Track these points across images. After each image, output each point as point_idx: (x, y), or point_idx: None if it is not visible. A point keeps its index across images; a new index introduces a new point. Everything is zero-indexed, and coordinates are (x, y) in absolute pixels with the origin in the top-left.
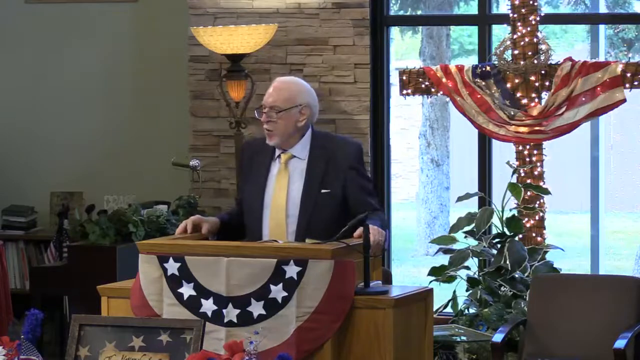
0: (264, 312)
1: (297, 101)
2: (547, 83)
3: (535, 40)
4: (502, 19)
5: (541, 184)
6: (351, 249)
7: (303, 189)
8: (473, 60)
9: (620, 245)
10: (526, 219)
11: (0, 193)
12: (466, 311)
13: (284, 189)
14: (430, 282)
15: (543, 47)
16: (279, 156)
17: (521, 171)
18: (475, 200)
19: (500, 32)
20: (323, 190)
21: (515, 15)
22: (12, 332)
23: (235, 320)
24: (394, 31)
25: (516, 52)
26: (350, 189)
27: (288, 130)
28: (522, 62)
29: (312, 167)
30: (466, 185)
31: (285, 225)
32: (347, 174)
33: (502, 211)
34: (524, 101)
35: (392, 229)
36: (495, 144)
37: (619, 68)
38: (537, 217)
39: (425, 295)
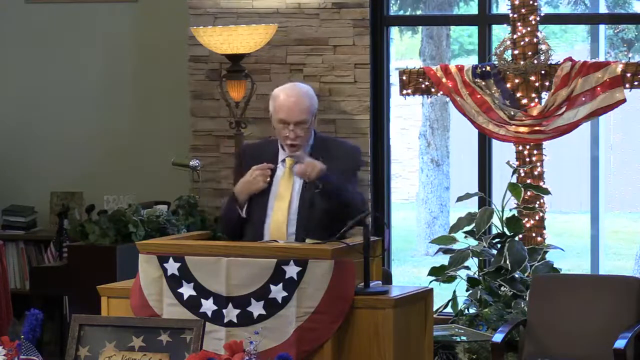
0: (264, 312)
1: (312, 109)
2: (547, 83)
3: (535, 40)
4: (502, 19)
5: (541, 184)
6: (351, 249)
7: (301, 190)
8: (473, 60)
9: (620, 245)
10: (526, 219)
11: (0, 193)
12: (466, 311)
13: (287, 192)
14: (430, 282)
15: (543, 47)
16: (283, 160)
17: (521, 171)
18: (475, 200)
19: (500, 32)
20: (317, 190)
21: (515, 15)
22: (12, 332)
23: (235, 320)
24: (394, 31)
25: (516, 52)
26: None
27: (309, 138)
28: (522, 62)
29: None
30: (466, 185)
31: (285, 228)
32: (344, 175)
33: (502, 211)
34: (524, 101)
35: (392, 229)
36: (495, 144)
37: (619, 68)
38: (537, 217)
39: (425, 295)
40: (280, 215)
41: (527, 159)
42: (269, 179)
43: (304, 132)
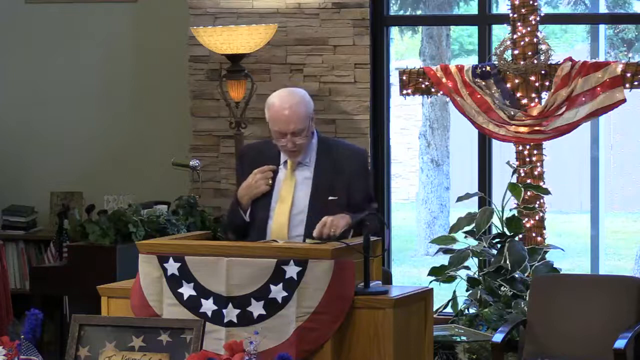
0: (264, 312)
1: (309, 115)
2: (547, 83)
3: (535, 40)
4: (502, 19)
5: (541, 184)
6: (351, 249)
7: (311, 195)
8: (473, 60)
9: (620, 245)
10: (526, 219)
11: (0, 193)
12: (466, 311)
13: (289, 194)
14: (430, 282)
15: (543, 47)
16: (285, 162)
17: (521, 171)
18: (475, 200)
19: (500, 32)
20: (331, 198)
21: (515, 15)
22: (12, 332)
23: (235, 320)
24: (394, 31)
25: (516, 52)
26: (354, 194)
27: (308, 142)
28: (522, 62)
29: (318, 174)
30: (466, 185)
31: (287, 228)
32: (352, 180)
33: (502, 211)
34: (524, 101)
35: (392, 229)
36: (495, 144)
37: (619, 68)
38: (537, 217)
39: (425, 295)
40: (283, 218)
41: (527, 159)
42: (270, 181)
43: (302, 139)
